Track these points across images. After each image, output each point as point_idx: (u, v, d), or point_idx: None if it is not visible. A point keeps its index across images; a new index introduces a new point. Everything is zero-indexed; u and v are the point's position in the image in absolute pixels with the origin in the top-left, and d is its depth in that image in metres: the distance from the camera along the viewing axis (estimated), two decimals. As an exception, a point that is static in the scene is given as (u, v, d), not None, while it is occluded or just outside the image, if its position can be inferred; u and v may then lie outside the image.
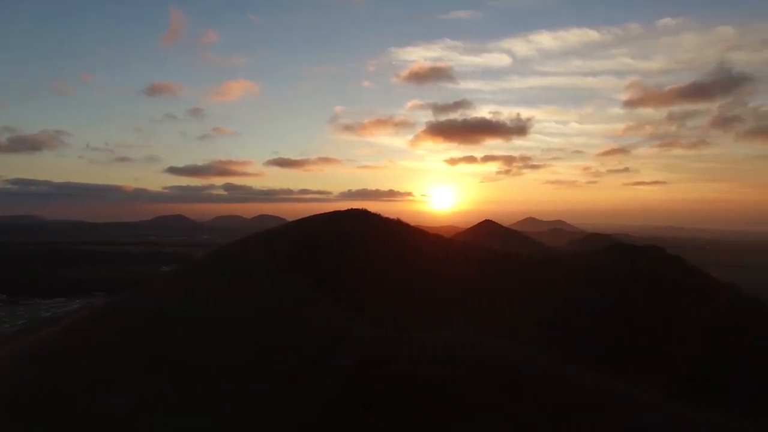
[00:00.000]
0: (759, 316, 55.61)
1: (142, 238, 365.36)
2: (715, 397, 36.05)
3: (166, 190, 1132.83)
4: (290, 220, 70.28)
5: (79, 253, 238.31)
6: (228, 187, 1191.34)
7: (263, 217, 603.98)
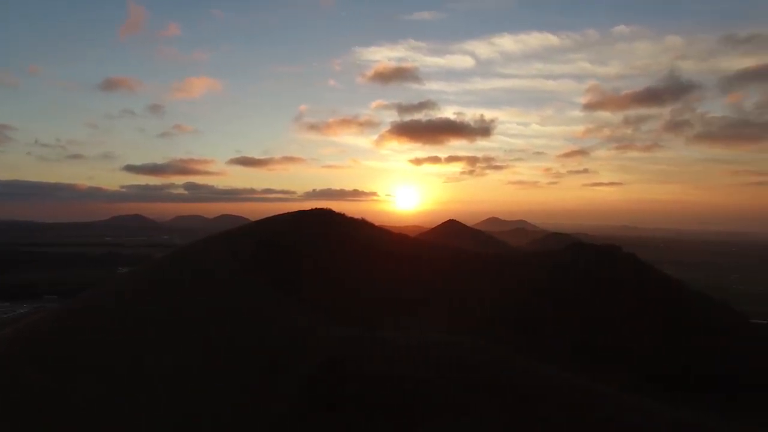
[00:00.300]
0: (720, 313, 58.21)
1: (98, 239, 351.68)
2: (693, 396, 37.14)
3: (123, 189, 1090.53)
4: (253, 220, 69.03)
5: (27, 254, 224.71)
6: (189, 186, 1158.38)
7: (225, 217, 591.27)
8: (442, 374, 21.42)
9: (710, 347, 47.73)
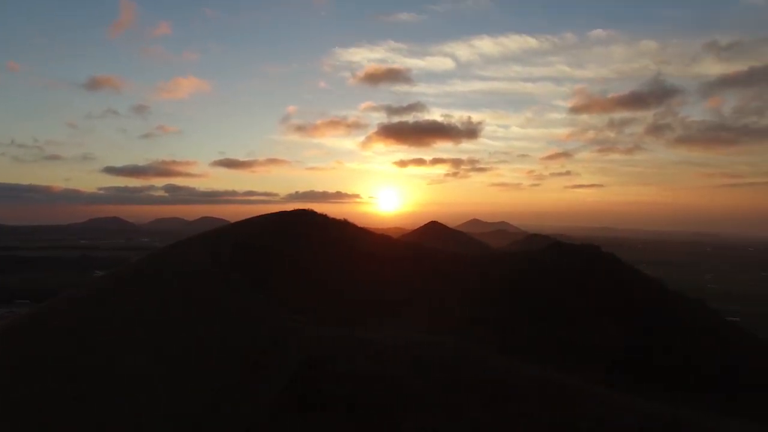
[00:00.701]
0: (698, 313, 59.26)
1: (73, 242, 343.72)
2: (693, 396, 37.54)
3: (101, 191, 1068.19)
4: (234, 222, 68.13)
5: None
6: (169, 188, 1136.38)
7: (205, 220, 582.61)
8: (426, 374, 21.34)
9: (691, 346, 48.57)
